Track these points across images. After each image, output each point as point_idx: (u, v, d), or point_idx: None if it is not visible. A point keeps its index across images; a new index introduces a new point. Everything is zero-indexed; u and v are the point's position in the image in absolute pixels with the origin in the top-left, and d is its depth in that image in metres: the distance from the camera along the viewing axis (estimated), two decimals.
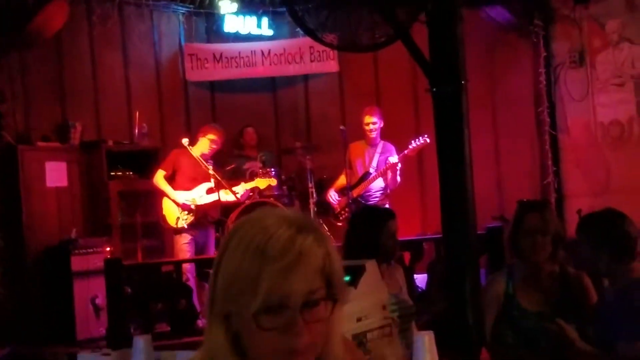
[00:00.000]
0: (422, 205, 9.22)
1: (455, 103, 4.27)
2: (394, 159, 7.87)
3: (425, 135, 7.67)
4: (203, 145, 7.83)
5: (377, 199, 8.06)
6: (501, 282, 3.69)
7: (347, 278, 3.32)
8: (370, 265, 3.53)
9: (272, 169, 8.84)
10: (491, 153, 8.86)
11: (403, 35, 4.52)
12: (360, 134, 8.20)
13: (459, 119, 4.25)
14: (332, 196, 8.28)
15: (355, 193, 8.04)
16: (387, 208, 4.13)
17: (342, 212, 8.18)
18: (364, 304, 3.35)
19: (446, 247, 4.15)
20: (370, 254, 3.74)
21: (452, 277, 4.21)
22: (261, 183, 8.13)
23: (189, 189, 7.81)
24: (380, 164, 8.03)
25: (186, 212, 7.75)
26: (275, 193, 8.75)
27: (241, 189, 7.95)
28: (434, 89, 4.32)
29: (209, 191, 7.83)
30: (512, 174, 8.87)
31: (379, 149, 8.14)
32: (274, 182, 8.27)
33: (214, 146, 7.87)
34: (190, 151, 7.73)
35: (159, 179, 7.81)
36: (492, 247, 6.38)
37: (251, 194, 8.38)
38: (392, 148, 8.12)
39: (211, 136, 7.86)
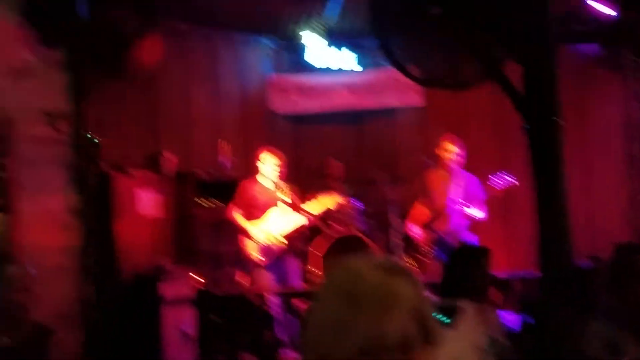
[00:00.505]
0: (508, 242, 9.09)
1: (551, 141, 4.23)
2: (478, 214, 7.73)
3: (513, 177, 7.56)
4: (270, 173, 7.88)
5: (460, 232, 7.97)
6: (600, 327, 3.61)
7: (443, 318, 3.31)
8: (466, 306, 3.51)
9: (357, 203, 8.89)
10: (580, 190, 8.68)
11: (497, 73, 4.50)
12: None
13: (555, 157, 4.20)
14: (413, 230, 8.19)
15: (438, 227, 7.96)
16: (482, 246, 4.12)
17: (425, 246, 8.08)
18: (461, 345, 3.33)
19: (542, 287, 4.09)
20: (466, 292, 3.72)
21: (547, 317, 4.15)
22: (328, 203, 8.03)
23: (263, 219, 7.88)
24: (463, 196, 7.92)
25: (268, 248, 7.80)
26: (360, 226, 8.77)
27: (309, 212, 7.90)
28: (529, 127, 4.28)
29: (283, 217, 7.87)
30: (603, 211, 8.69)
31: (459, 180, 8.02)
32: (338, 199, 8.23)
33: (280, 169, 7.89)
34: (264, 181, 7.84)
35: (235, 215, 7.89)
36: (584, 287, 6.26)
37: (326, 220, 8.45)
38: (474, 179, 8.00)
39: (273, 161, 7.90)
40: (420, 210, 8.15)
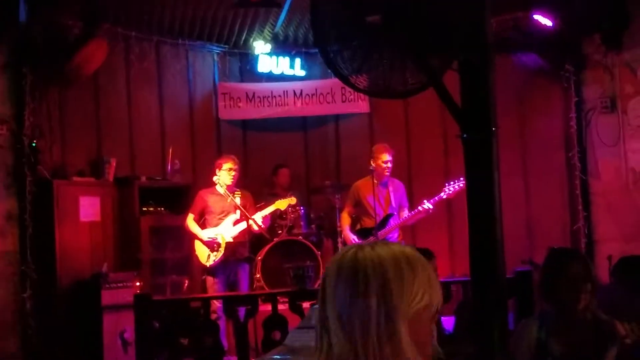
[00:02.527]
0: (450, 247, 9.22)
1: (486, 150, 4.28)
2: (428, 205, 7.85)
3: (462, 179, 7.67)
4: (224, 178, 7.87)
5: (395, 237, 8.08)
6: (533, 328, 3.69)
7: None
8: None
9: (302, 208, 8.92)
10: (521, 196, 8.85)
11: (435, 82, 4.55)
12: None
13: (489, 165, 4.25)
14: (350, 237, 8.21)
15: (381, 235, 8.02)
16: (426, 248, 4.14)
17: None
18: None
19: (474, 291, 4.14)
20: None
21: (481, 320, 4.20)
22: (281, 204, 8.14)
23: (218, 225, 7.88)
24: (396, 202, 8.08)
25: (215, 249, 7.79)
26: (304, 231, 8.82)
27: (261, 215, 7.94)
28: (465, 136, 4.34)
29: (236, 223, 7.89)
30: (542, 218, 8.85)
31: (391, 187, 8.13)
32: (293, 200, 8.33)
33: (234, 174, 7.88)
34: (219, 189, 7.82)
35: (190, 222, 7.89)
36: (521, 290, 6.38)
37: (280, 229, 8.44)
38: (402, 184, 8.22)
39: (228, 165, 7.87)
40: (347, 220, 8.26)
